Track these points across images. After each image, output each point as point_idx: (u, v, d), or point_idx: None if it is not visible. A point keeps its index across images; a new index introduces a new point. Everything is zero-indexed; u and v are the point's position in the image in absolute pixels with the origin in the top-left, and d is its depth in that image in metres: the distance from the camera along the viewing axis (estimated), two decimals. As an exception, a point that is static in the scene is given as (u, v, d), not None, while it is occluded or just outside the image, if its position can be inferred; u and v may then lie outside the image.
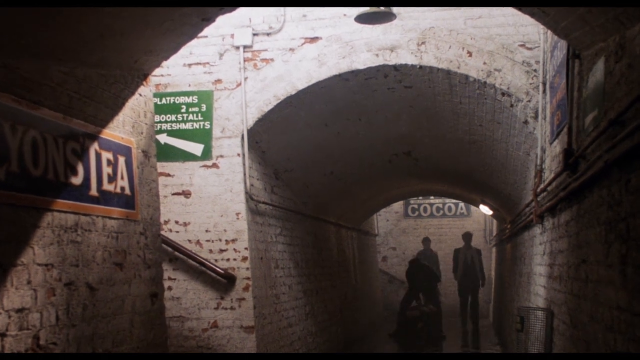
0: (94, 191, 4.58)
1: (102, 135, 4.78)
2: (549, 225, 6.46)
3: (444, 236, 20.30)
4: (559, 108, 5.88)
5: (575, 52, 5.09)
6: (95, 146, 4.66)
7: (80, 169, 4.44)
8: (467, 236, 16.48)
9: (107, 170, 4.77)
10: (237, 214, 7.74)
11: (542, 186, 6.85)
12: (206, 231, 7.80)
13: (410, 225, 20.57)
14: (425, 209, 20.52)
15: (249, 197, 7.83)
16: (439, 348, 13.62)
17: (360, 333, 14.61)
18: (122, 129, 5.11)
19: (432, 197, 20.27)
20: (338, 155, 9.67)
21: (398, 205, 20.45)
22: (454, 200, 20.11)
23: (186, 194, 7.86)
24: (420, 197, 20.33)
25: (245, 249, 7.70)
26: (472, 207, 19.99)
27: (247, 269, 7.68)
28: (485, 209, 13.41)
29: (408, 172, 11.18)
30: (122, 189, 4.97)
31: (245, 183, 7.77)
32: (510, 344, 10.69)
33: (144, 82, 5.54)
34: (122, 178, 4.98)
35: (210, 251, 7.78)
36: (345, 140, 9.17)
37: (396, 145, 9.64)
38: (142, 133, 5.44)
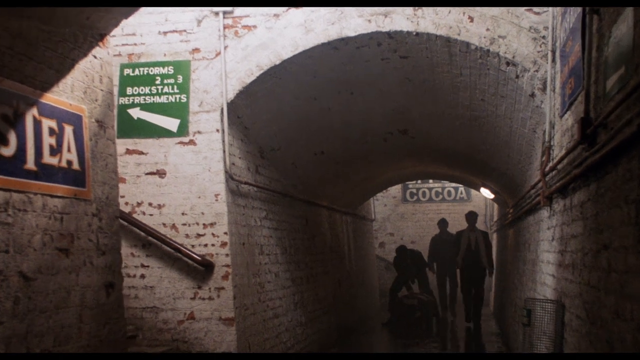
0: (30, 164, 3.91)
1: (44, 100, 4.10)
2: (558, 208, 5.80)
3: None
4: (571, 75, 5.19)
5: (594, 8, 4.42)
6: (33, 112, 3.98)
7: (12, 137, 3.77)
8: (472, 216, 13.97)
9: (49, 140, 4.10)
10: (216, 195, 7.07)
11: (550, 164, 6.18)
12: (182, 214, 7.13)
13: (409, 210, 19.92)
14: (424, 194, 19.86)
15: (229, 177, 7.16)
16: (437, 337, 13.00)
17: (356, 322, 13.98)
18: (70, 94, 4.43)
19: (430, 181, 19.61)
20: (328, 132, 8.99)
21: (396, 190, 19.80)
22: (453, 184, 19.46)
23: (161, 173, 7.19)
24: (419, 181, 19.67)
25: (225, 233, 7.04)
26: (473, 191, 19.35)
27: (227, 255, 7.03)
28: (486, 193, 12.73)
29: (404, 152, 10.50)
30: (69, 163, 4.30)
31: (224, 162, 7.10)
32: (512, 335, 10.05)
33: (100, 43, 4.86)
34: (69, 150, 4.30)
35: (187, 236, 7.12)
36: (336, 116, 8.48)
37: (391, 123, 8.95)
38: (96, 100, 4.75)
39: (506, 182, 10.24)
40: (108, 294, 4.71)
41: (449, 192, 19.68)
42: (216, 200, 7.07)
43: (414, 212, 19.83)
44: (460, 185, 19.34)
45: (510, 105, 7.33)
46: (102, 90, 4.82)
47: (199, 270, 7.03)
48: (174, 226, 7.14)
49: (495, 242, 17.73)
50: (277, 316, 8.48)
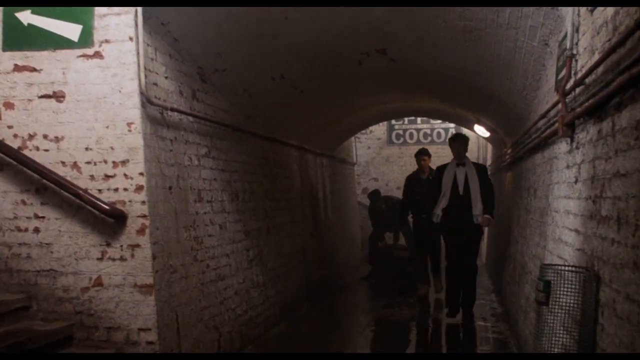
0: None
1: None
2: (586, 138, 4.13)
3: (432, 165, 17.97)
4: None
5: None
6: None
7: None
8: (459, 141, 9.14)
9: None
10: (129, 124, 5.36)
11: (574, 80, 4.51)
12: (86, 149, 5.43)
13: (395, 153, 18.23)
14: (411, 135, 18.15)
15: (147, 100, 5.44)
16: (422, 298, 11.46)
17: (333, 277, 12.41)
18: None
19: (419, 121, 17.90)
20: (288, 52, 7.23)
21: (380, 131, 18.10)
22: (443, 125, 17.75)
23: (58, 96, 5.46)
24: (406, 121, 17.95)
25: (141, 174, 5.35)
26: (465, 133, 17.65)
27: (143, 202, 5.35)
28: (481, 130, 11.05)
29: (385, 81, 8.74)
30: None
31: (139, 80, 5.37)
32: (509, 296, 8.49)
33: None
34: None
35: (92, 178, 5.43)
36: (296, 28, 6.72)
37: (367, 40, 7.19)
38: None
39: (505, 115, 8.54)
40: None
41: (439, 134, 17.96)
42: (129, 130, 5.36)
43: (401, 155, 18.14)
44: (452, 126, 17.61)
45: (516, 10, 5.61)
46: None
47: (108, 222, 5.37)
48: (75, 165, 5.44)
49: (488, 187, 16.11)
50: (222, 278, 6.86)
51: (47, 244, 5.47)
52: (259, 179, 8.49)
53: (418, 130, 17.99)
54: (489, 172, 15.79)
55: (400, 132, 18.14)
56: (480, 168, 9.23)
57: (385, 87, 9.28)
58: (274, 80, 7.71)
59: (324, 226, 12.38)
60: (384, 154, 18.35)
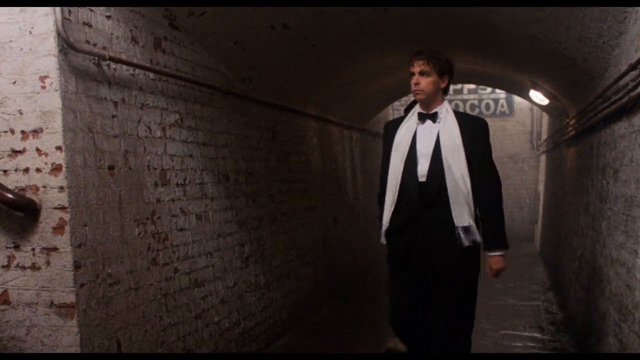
0: None
1: None
2: None
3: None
4: None
5: None
6: None
7: None
8: (425, 58, 4.22)
9: None
10: (43, 78, 3.80)
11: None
12: (-13, 114, 3.90)
13: (438, 127, 16.42)
14: (456, 107, 16.33)
15: (67, 44, 3.86)
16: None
17: (361, 272, 10.79)
18: None
19: (465, 92, 16.08)
20: (289, -10, 5.57)
21: (422, 102, 16.30)
22: (493, 95, 15.92)
23: (-48, 40, 3.92)
24: (451, 91, 16.05)
25: (58, 148, 3.80)
26: (516, 104, 15.80)
27: (62, 189, 3.79)
28: (537, 97, 9.23)
29: (419, 32, 7.02)
30: None
31: (55, 16, 3.79)
32: (575, 304, 6.78)
33: None
34: None
35: (-6, 154, 3.90)
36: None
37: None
38: None
39: (570, 75, 6.75)
40: None
41: (487, 105, 16.12)
42: (42, 87, 3.80)
43: (444, 129, 16.35)
44: (502, 95, 15.78)
45: None
46: None
47: (15, 215, 3.84)
48: (-27, 136, 3.92)
49: (543, 165, 14.25)
50: (200, 284, 5.29)
51: (-62, 244, 3.97)
52: (263, 155, 6.89)
53: (464, 101, 16.18)
54: (545, 148, 14.00)
55: (445, 103, 16.34)
56: (474, 126, 4.29)
57: (416, 39, 7.53)
58: (273, 30, 6.06)
59: (353, 211, 10.74)
60: (426, 128, 16.59)
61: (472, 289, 4.27)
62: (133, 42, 4.56)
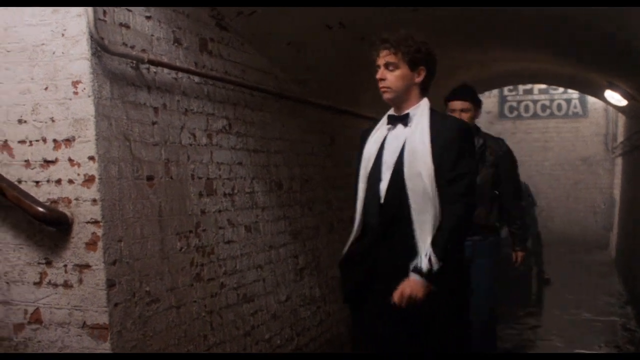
0: None
1: None
2: None
3: (550, 142, 15.54)
4: None
5: None
6: None
7: None
8: (390, 47, 3.43)
9: None
10: (75, 83, 3.56)
11: None
12: (20, 122, 3.67)
13: (507, 128, 15.82)
14: (526, 108, 15.73)
15: (100, 46, 3.60)
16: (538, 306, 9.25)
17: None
18: None
19: (535, 92, 15.47)
20: (344, -13, 5.23)
21: (491, 103, 15.74)
22: (565, 96, 15.24)
23: (-16, 44, 3.72)
24: (521, 92, 15.55)
25: (91, 158, 3.54)
26: (590, 105, 15.09)
27: (95, 201, 3.54)
28: (614, 98, 8.65)
29: (482, 27, 6.58)
30: None
31: (87, 16, 3.54)
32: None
33: None
34: None
35: (27, 164, 3.67)
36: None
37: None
38: None
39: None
40: None
41: (559, 106, 15.45)
42: (75, 92, 3.55)
43: (514, 130, 15.74)
44: (574, 96, 15.10)
45: None
46: None
47: (48, 230, 3.61)
48: (6, 145, 3.70)
49: (619, 169, 13.53)
50: (250, 299, 5.00)
51: (-29, 259, 3.77)
52: (320, 161, 6.57)
53: (534, 101, 15.56)
54: (621, 151, 13.20)
55: (514, 104, 15.75)
56: (448, 133, 3.39)
57: (484, 37, 7.08)
58: (330, 30, 5.73)
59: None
60: (495, 129, 15.90)
61: (450, 325, 3.38)
62: (176, 44, 4.30)
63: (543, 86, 15.08)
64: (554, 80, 11.38)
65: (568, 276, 10.97)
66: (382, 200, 3.41)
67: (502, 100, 15.76)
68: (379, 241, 3.41)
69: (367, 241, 3.48)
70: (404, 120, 3.45)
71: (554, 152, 15.46)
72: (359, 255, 3.50)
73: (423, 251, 3.22)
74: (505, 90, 15.43)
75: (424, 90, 3.50)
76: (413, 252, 3.26)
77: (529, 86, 15.26)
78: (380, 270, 3.40)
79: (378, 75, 3.44)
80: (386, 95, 3.47)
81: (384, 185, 3.41)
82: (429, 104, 3.46)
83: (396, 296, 3.27)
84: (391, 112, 3.55)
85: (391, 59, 3.41)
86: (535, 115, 15.63)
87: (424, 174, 3.26)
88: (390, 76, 3.42)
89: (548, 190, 15.23)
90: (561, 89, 14.97)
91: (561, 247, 13.40)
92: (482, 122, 15.48)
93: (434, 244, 3.24)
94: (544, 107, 15.50)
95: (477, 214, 4.41)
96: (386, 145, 3.46)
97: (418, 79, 3.45)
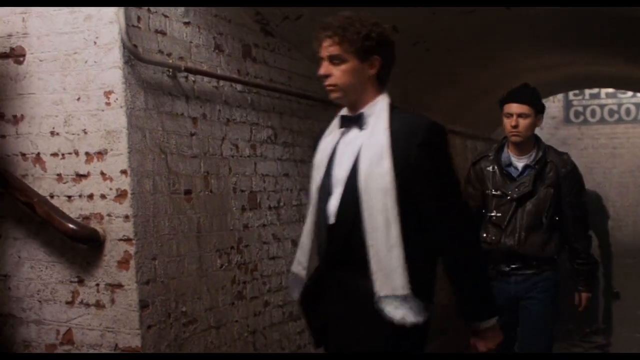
0: None
1: None
2: None
3: (618, 149, 14.89)
4: None
5: None
6: None
7: None
8: (329, 31, 2.77)
9: None
10: (107, 93, 3.39)
11: None
12: (52, 134, 3.52)
13: (573, 134, 15.22)
14: (593, 113, 15.09)
15: (133, 55, 3.42)
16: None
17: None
18: None
19: (602, 96, 14.83)
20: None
21: (555, 108, 15.16)
22: (634, 100, 14.59)
23: (18, 55, 3.59)
24: (587, 96, 14.94)
25: (124, 172, 3.37)
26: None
27: (127, 218, 3.36)
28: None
29: (543, 30, 6.22)
30: None
31: (119, 23, 3.37)
32: None
33: None
34: None
35: (59, 177, 3.52)
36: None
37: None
38: None
39: None
40: None
41: (628, 110, 14.79)
42: (107, 103, 3.39)
43: (580, 136, 15.13)
44: (645, 100, 14.47)
45: None
46: None
47: (81, 248, 3.45)
48: (39, 158, 3.56)
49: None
50: (298, 317, 4.75)
51: (4, 275, 3.64)
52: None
53: (602, 106, 14.92)
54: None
55: (580, 108, 15.15)
56: (413, 138, 2.63)
57: (544, 39, 6.72)
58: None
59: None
60: (559, 135, 15.39)
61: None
62: (217, 51, 4.11)
63: (610, 90, 14.47)
64: (622, 84, 10.87)
65: (638, 290, 10.42)
66: (331, 221, 2.70)
67: (567, 104, 15.19)
68: (330, 271, 2.73)
69: (318, 272, 2.80)
70: (359, 121, 2.76)
71: (623, 159, 14.81)
72: (315, 287, 2.80)
73: (385, 291, 2.53)
74: (571, 94, 14.87)
75: (382, 84, 2.78)
76: (362, 290, 2.56)
77: (595, 90, 14.65)
78: (330, 310, 2.72)
79: (321, 71, 2.76)
80: (333, 95, 2.78)
81: (334, 203, 2.70)
82: (388, 100, 2.74)
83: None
84: (344, 112, 2.85)
85: (335, 50, 2.71)
86: (602, 120, 15.01)
87: (382, 193, 2.55)
88: (336, 71, 2.72)
89: (616, 199, 14.59)
90: (630, 93, 14.33)
91: (630, 259, 12.80)
92: (545, 128, 15.04)
93: (464, 281, 2.72)
94: (611, 112, 14.87)
95: (531, 243, 4.07)
96: (337, 153, 2.77)
97: (372, 71, 2.74)
